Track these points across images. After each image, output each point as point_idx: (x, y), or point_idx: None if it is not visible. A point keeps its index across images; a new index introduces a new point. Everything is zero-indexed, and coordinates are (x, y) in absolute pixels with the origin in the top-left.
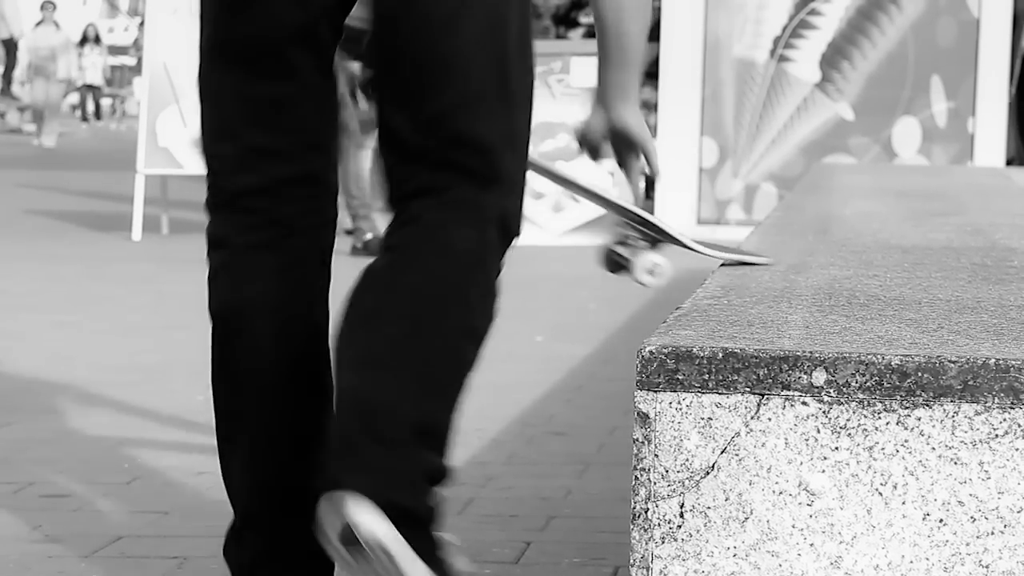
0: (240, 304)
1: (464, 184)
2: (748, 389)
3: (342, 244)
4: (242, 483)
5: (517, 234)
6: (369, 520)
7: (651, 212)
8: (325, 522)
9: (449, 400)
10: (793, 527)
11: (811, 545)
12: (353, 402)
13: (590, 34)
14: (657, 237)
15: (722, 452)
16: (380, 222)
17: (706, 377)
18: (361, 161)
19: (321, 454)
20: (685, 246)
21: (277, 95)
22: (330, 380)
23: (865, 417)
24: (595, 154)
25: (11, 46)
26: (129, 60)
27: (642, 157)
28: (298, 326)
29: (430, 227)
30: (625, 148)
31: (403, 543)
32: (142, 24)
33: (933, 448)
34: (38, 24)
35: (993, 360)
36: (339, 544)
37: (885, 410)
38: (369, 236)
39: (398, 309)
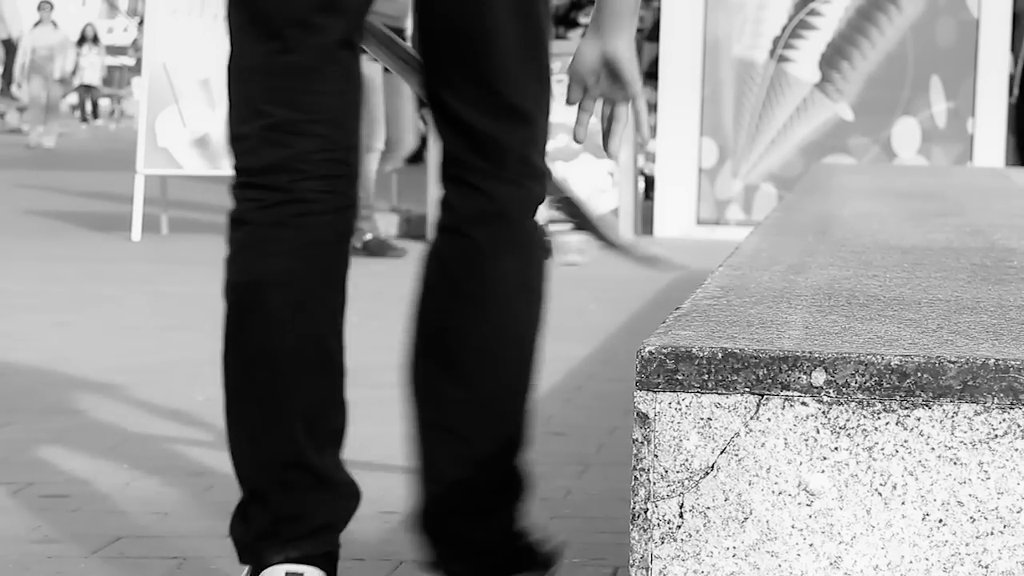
0: (257, 279)
1: (518, 192)
2: (747, 389)
3: None
4: (251, 458)
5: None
6: None
7: (650, 212)
8: None
9: (522, 448)
10: (792, 527)
11: (810, 545)
12: (455, 470)
13: None
14: (581, 223)
15: (721, 452)
16: (381, 223)
17: (705, 377)
18: (367, 163)
19: (329, 431)
20: (605, 240)
21: (301, 71)
22: (342, 360)
23: (865, 417)
24: (581, 92)
25: (11, 47)
26: (128, 60)
27: (628, 99)
28: (314, 303)
29: (505, 267)
30: (613, 85)
31: None
32: (141, 23)
33: (932, 448)
34: (36, 24)
35: (992, 360)
36: None
37: (885, 410)
38: (369, 236)
39: (486, 360)
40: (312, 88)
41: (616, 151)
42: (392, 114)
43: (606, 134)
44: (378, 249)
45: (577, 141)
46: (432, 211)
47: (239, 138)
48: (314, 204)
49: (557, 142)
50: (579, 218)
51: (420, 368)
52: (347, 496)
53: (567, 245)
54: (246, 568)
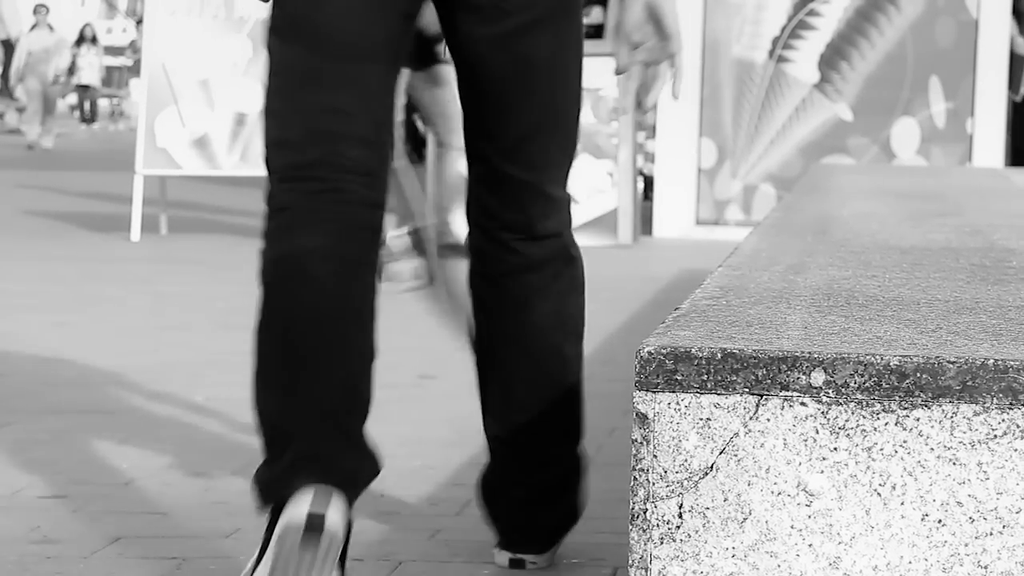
0: (299, 251)
1: (548, 244)
2: (747, 390)
3: None
4: (284, 409)
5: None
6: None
7: (649, 213)
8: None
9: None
10: (792, 528)
11: (810, 546)
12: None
13: (588, 35)
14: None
15: (721, 453)
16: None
17: (705, 378)
18: (450, 162)
19: (359, 400)
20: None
21: (346, 78)
22: (374, 339)
23: (864, 418)
24: (628, 54)
25: (10, 47)
26: (126, 61)
27: (669, 54)
28: (352, 278)
29: (542, 307)
30: (658, 41)
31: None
32: (139, 23)
33: (932, 449)
34: (32, 28)
35: (992, 361)
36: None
37: (884, 411)
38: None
39: (536, 371)
40: (353, 94)
41: (651, 106)
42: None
43: (643, 90)
44: (419, 247)
45: (641, 107)
46: (432, 211)
47: (283, 142)
48: (352, 195)
49: None
50: (422, 247)
51: (483, 385)
52: (371, 458)
53: (400, 274)
54: (268, 513)
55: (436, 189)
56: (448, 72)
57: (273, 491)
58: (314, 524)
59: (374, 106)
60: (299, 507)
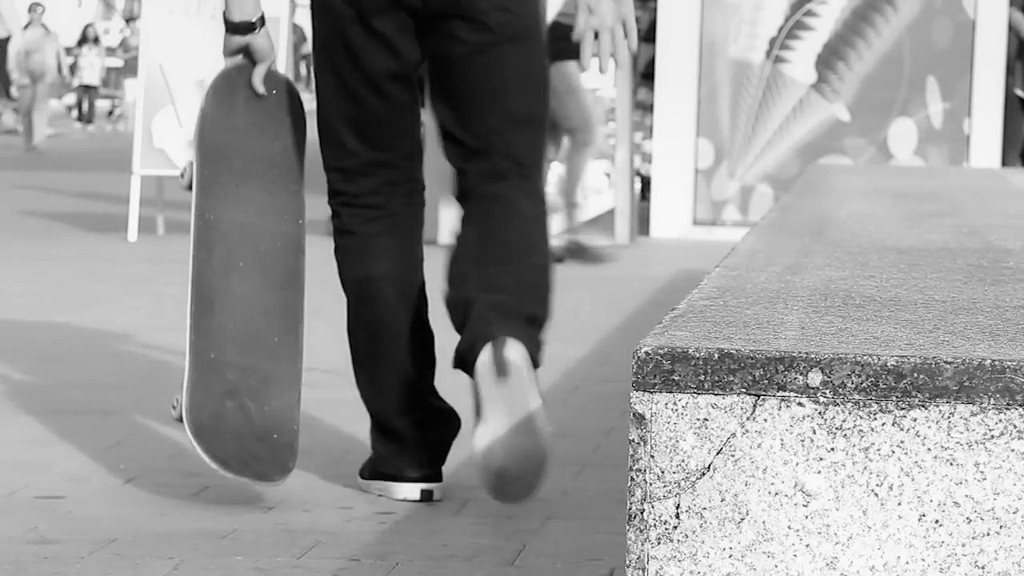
0: (371, 276)
1: (517, 174)
2: (744, 390)
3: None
4: (384, 403)
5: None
6: (517, 356)
7: (646, 213)
8: (484, 359)
9: (546, 304)
10: (789, 528)
11: (807, 546)
12: (492, 301)
13: None
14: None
15: (718, 453)
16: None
17: (702, 378)
18: (585, 159)
19: (431, 378)
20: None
21: (381, 122)
22: (430, 327)
23: (861, 418)
24: (586, 19)
25: (7, 47)
26: (116, 62)
27: (620, 18)
28: (412, 289)
29: (505, 199)
30: (608, 2)
31: (532, 374)
32: (128, 22)
33: (929, 449)
34: (27, 26)
35: (989, 361)
36: (493, 370)
37: (881, 411)
38: (572, 239)
39: (503, 251)
40: (389, 131)
41: (609, 68)
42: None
43: (604, 56)
44: (579, 254)
45: (583, 69)
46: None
47: (338, 170)
48: (401, 216)
49: None
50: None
51: (461, 266)
52: (454, 420)
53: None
54: (376, 483)
55: (570, 187)
56: (581, 77)
57: (389, 468)
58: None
59: (405, 136)
60: (407, 495)
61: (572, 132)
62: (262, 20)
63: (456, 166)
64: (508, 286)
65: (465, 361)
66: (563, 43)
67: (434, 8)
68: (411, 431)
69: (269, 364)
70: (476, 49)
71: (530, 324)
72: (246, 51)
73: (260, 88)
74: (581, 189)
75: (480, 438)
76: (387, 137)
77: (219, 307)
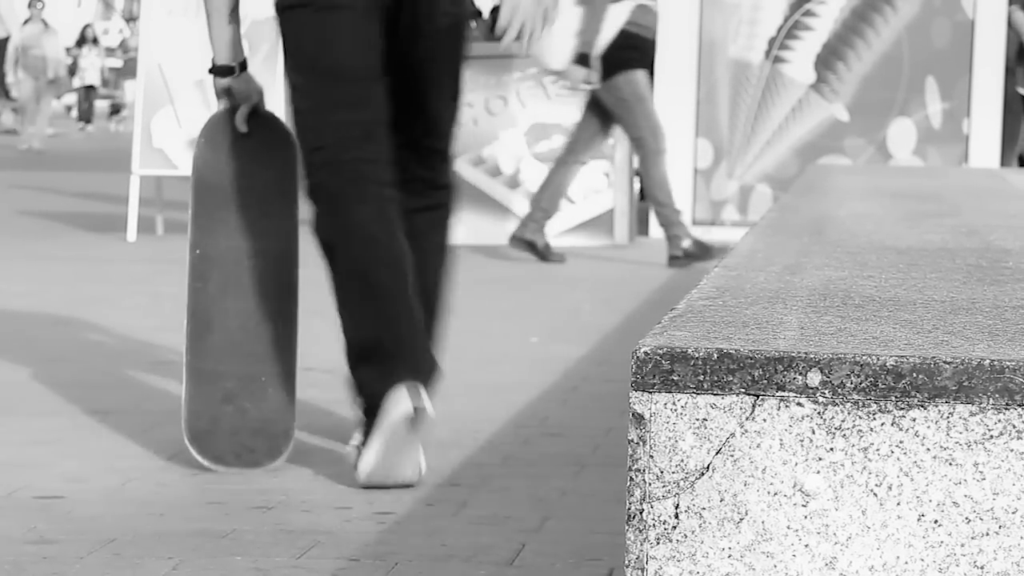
0: (357, 219)
1: (444, 192)
2: (743, 390)
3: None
4: (372, 323)
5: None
6: (427, 404)
7: (645, 213)
8: (396, 405)
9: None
10: (788, 528)
11: (806, 546)
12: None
13: None
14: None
15: (717, 453)
16: (689, 227)
17: (701, 378)
18: (662, 166)
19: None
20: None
21: (360, 97)
22: (410, 267)
23: (860, 418)
24: (510, 14)
25: (6, 46)
26: (116, 62)
27: (542, 10)
28: (394, 233)
29: (435, 237)
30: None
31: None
32: (128, 21)
33: (928, 449)
34: (26, 22)
35: (988, 361)
36: (403, 419)
37: (880, 411)
38: (687, 243)
39: (428, 280)
40: (367, 111)
41: (529, 50)
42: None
43: (524, 36)
44: (701, 252)
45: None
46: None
47: (322, 147)
48: (380, 180)
49: (552, 143)
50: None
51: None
52: (435, 361)
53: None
54: (363, 403)
55: (662, 194)
56: (648, 86)
57: (376, 388)
58: (419, 413)
59: (381, 114)
60: (402, 401)
61: (640, 141)
62: (243, 65)
63: (403, 161)
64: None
65: (373, 392)
66: (631, 52)
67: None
68: (396, 344)
69: (264, 367)
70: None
71: (432, 351)
72: (229, 92)
73: (242, 127)
74: (671, 193)
75: (365, 463)
76: (364, 110)
77: (216, 326)
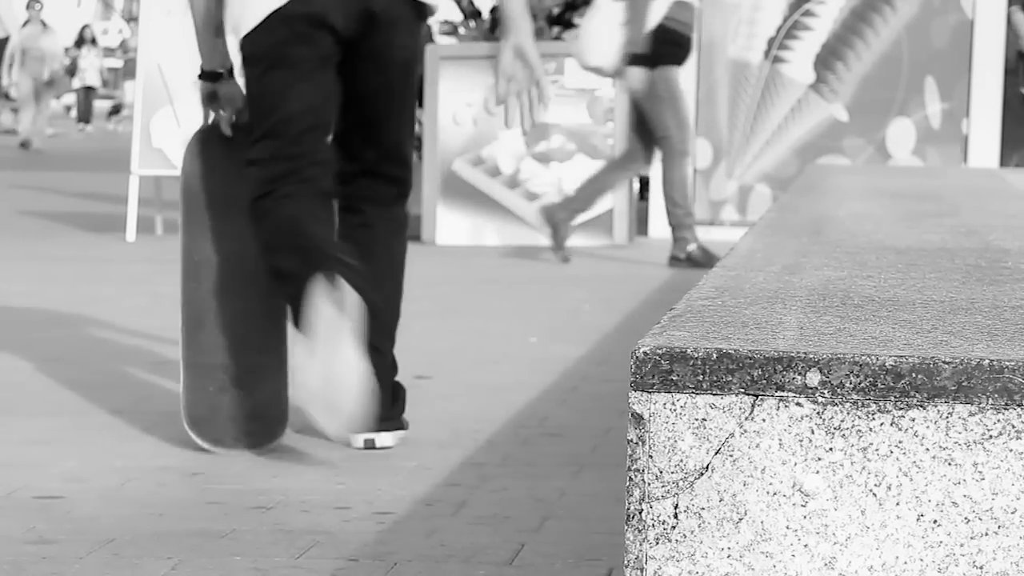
0: (291, 214)
1: (396, 197)
2: (742, 390)
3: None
4: (297, 268)
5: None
6: (348, 293)
7: (645, 213)
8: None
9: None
10: (787, 528)
11: (805, 546)
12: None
13: None
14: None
15: (716, 453)
16: (699, 232)
17: (700, 378)
18: (684, 167)
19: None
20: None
21: (308, 153)
22: (329, 232)
23: (859, 418)
24: (507, 84)
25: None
26: (116, 62)
27: (534, 82)
28: (322, 224)
29: (382, 238)
30: (524, 72)
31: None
32: (128, 22)
33: (927, 449)
34: (25, 23)
35: (987, 361)
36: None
37: (879, 411)
38: (693, 247)
39: (381, 285)
40: (317, 109)
41: (528, 127)
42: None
43: (523, 113)
44: (704, 259)
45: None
46: (426, 212)
47: (274, 134)
48: (319, 184)
49: (552, 143)
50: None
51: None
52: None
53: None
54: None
55: (680, 195)
56: (680, 85)
57: (308, 270)
58: (342, 298)
59: (328, 168)
60: (324, 293)
61: (666, 140)
62: (230, 71)
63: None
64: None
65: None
66: (669, 48)
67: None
68: (321, 259)
69: (258, 358)
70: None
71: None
72: (215, 96)
73: (227, 131)
74: (688, 195)
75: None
76: (314, 113)
77: (208, 322)
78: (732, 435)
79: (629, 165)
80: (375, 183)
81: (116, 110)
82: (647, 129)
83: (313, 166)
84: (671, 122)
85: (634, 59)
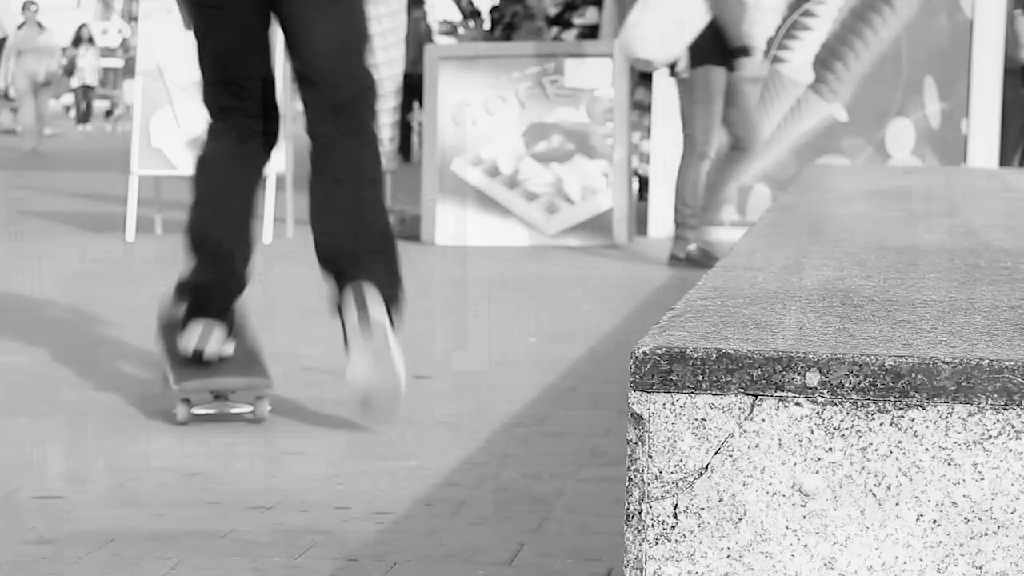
0: (214, 152)
1: (361, 119)
2: (742, 390)
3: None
4: (206, 225)
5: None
6: (377, 311)
7: (644, 213)
8: (348, 308)
9: (390, 232)
10: (787, 528)
11: (805, 546)
12: (349, 237)
13: (583, 35)
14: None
15: (716, 453)
16: (706, 233)
17: (700, 378)
18: (699, 170)
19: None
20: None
21: (245, 53)
22: (252, 219)
23: (859, 418)
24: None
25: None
26: (117, 62)
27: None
28: (239, 166)
29: (348, 152)
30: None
31: (391, 327)
32: (129, 22)
33: (927, 449)
34: (21, 25)
35: (987, 361)
36: (357, 323)
37: (879, 411)
38: (692, 247)
39: (350, 196)
40: (252, 62)
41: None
42: (738, 115)
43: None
44: (704, 259)
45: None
46: (425, 212)
47: (214, 88)
48: (253, 132)
49: (551, 143)
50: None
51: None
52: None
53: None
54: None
55: (717, 193)
56: (720, 88)
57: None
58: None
59: (256, 95)
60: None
61: (690, 139)
62: None
63: (308, 107)
64: (372, 228)
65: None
66: (717, 49)
67: None
68: (226, 256)
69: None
70: None
71: (392, 259)
72: None
73: None
74: (698, 197)
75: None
76: (250, 65)
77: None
78: (732, 435)
79: (735, 156)
80: (314, 92)
81: (110, 111)
82: (734, 118)
83: (254, 109)
84: (699, 124)
85: (691, 53)
